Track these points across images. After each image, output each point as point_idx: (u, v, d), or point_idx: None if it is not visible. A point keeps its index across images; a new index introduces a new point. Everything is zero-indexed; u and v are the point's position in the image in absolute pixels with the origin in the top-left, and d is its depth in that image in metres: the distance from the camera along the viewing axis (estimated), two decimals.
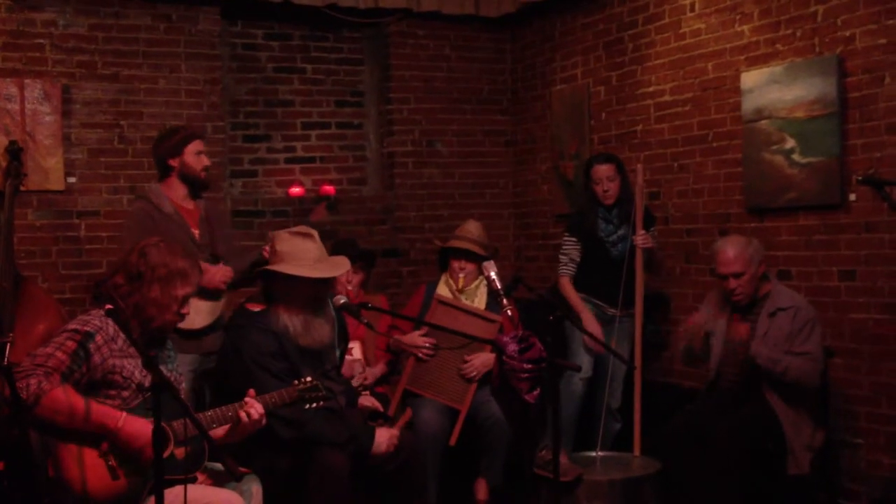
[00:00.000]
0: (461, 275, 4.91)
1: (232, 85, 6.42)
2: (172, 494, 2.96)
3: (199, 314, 4.15)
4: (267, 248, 4.33)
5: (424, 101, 6.74)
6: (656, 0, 5.68)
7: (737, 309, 4.45)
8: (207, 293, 4.23)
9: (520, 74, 6.94)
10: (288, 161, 6.62)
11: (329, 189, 6.46)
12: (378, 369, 4.97)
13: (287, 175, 6.58)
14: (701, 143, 5.41)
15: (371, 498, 3.98)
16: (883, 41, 4.42)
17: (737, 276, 4.35)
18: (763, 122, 4.94)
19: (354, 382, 4.48)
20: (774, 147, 4.89)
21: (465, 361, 4.75)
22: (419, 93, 6.72)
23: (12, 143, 4.57)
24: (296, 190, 6.37)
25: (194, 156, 4.40)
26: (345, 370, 4.40)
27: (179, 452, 3.16)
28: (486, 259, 4.49)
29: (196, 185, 4.43)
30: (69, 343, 3.07)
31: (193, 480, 3.21)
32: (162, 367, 3.20)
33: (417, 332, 4.81)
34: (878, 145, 4.47)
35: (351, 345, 4.76)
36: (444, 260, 5.05)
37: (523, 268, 6.87)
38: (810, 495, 4.48)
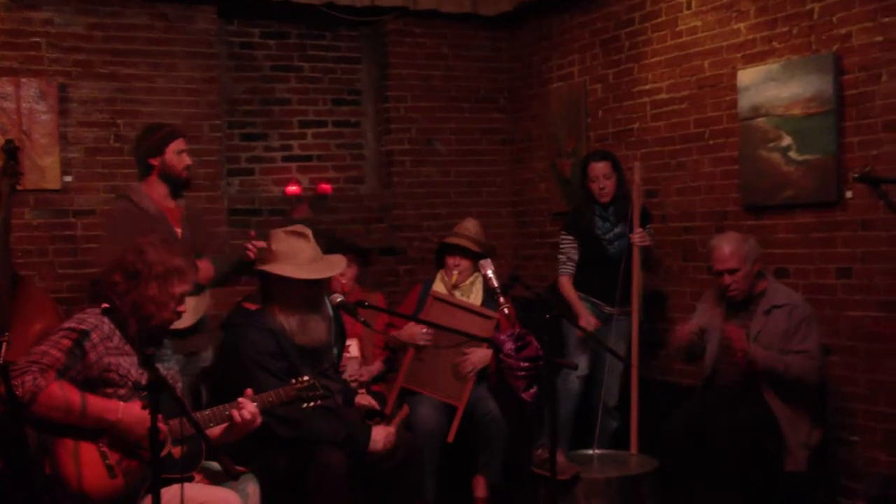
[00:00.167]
0: (455, 271, 4.92)
1: (229, 83, 6.42)
2: (169, 493, 2.97)
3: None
4: (251, 247, 4.33)
5: (422, 100, 6.74)
6: None
7: (732, 306, 4.46)
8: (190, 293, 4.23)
9: (517, 72, 6.94)
10: (285, 159, 6.62)
11: (326, 187, 6.46)
12: (375, 367, 4.98)
13: (284, 173, 6.57)
14: (698, 141, 5.41)
15: (369, 496, 3.98)
16: (879, 39, 4.42)
17: (732, 272, 4.36)
18: (760, 119, 4.94)
19: (345, 376, 4.48)
20: (771, 145, 4.89)
21: (463, 358, 4.75)
22: (416, 91, 6.72)
23: (9, 141, 4.56)
24: (293, 188, 6.37)
25: (175, 155, 4.36)
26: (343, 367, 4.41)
27: (176, 451, 3.16)
28: (482, 256, 4.49)
29: (177, 185, 4.40)
30: (64, 341, 3.07)
31: (190, 479, 3.22)
32: (159, 366, 3.21)
33: (413, 324, 4.80)
34: (874, 143, 4.47)
35: (348, 342, 4.76)
36: (441, 258, 5.07)
37: (520, 266, 6.87)
38: (808, 493, 4.48)
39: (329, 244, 4.98)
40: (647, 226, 5.19)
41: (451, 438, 4.64)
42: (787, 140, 4.81)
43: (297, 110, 6.65)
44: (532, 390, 4.58)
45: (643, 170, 5.20)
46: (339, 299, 4.09)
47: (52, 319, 4.23)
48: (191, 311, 4.26)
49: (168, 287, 3.26)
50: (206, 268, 4.32)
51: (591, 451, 4.99)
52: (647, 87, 5.74)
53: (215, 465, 3.33)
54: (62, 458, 3.01)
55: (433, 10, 6.49)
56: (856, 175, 3.84)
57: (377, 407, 4.27)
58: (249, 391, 3.36)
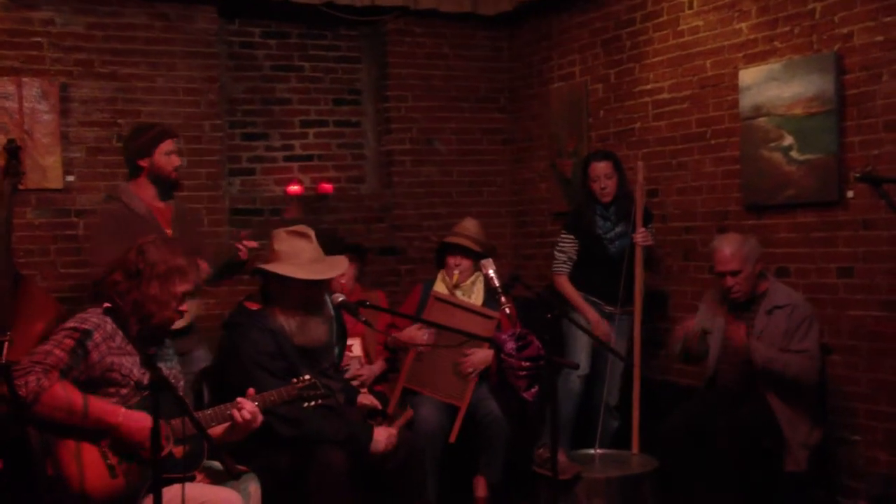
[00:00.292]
0: (456, 271, 4.92)
1: (229, 83, 6.42)
2: (171, 493, 2.97)
3: None
4: (242, 247, 4.31)
5: (422, 100, 6.74)
6: None
7: (734, 307, 4.46)
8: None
9: (517, 72, 6.94)
10: (286, 159, 6.62)
11: (327, 187, 6.46)
12: (377, 367, 4.98)
13: (285, 173, 6.58)
14: (699, 141, 5.41)
15: (371, 495, 3.98)
16: (880, 38, 4.42)
17: (734, 273, 4.36)
18: (761, 119, 4.94)
19: (347, 375, 4.48)
20: (772, 144, 4.89)
21: (464, 358, 4.75)
22: (417, 91, 6.72)
23: (10, 141, 4.55)
24: (294, 188, 6.37)
25: (165, 156, 4.32)
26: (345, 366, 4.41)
27: (178, 451, 3.16)
28: (482, 256, 4.49)
29: (167, 186, 4.37)
30: (67, 341, 3.07)
31: (192, 479, 3.22)
32: (161, 365, 3.21)
33: (415, 326, 4.81)
34: (875, 142, 4.47)
35: (351, 342, 4.76)
36: (441, 258, 5.06)
37: (521, 266, 6.87)
38: (808, 492, 4.49)
39: (326, 244, 4.98)
40: (649, 225, 5.19)
41: (452, 439, 4.64)
42: (788, 140, 4.81)
43: (298, 110, 6.66)
44: (533, 390, 4.59)
45: (644, 169, 5.19)
46: (340, 299, 4.09)
47: (53, 319, 4.23)
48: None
49: (169, 286, 3.26)
50: (203, 268, 4.31)
51: (592, 451, 4.99)
52: (649, 86, 5.74)
53: (217, 464, 3.33)
54: (64, 458, 3.01)
55: (433, 9, 6.48)
56: (857, 175, 3.84)
57: (379, 406, 4.27)
58: (251, 391, 3.36)
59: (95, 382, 3.10)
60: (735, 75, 5.11)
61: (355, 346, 4.92)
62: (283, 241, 3.91)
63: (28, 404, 2.94)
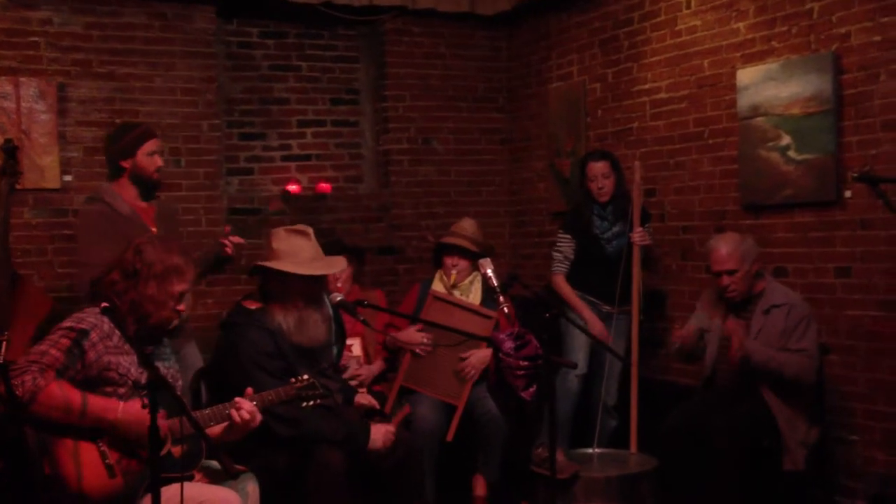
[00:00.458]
0: (454, 271, 4.93)
1: (227, 83, 6.41)
2: (169, 492, 2.96)
3: None
4: (227, 243, 4.29)
5: (420, 99, 6.73)
6: None
7: (731, 307, 4.46)
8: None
9: (515, 72, 6.94)
10: (284, 159, 6.61)
11: (325, 187, 6.46)
12: (376, 367, 4.98)
13: (283, 173, 6.57)
14: (697, 141, 5.41)
15: (369, 495, 3.97)
16: (878, 38, 4.42)
17: (730, 273, 4.36)
18: (759, 119, 4.94)
19: (346, 375, 4.48)
20: (770, 144, 4.89)
21: (462, 358, 4.75)
22: (415, 90, 6.72)
23: (8, 141, 4.55)
24: (292, 187, 6.37)
25: (147, 157, 4.26)
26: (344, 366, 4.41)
27: (176, 450, 3.16)
28: (480, 256, 4.49)
29: (148, 187, 4.31)
30: (63, 340, 3.07)
31: (190, 478, 3.21)
32: (158, 364, 3.21)
33: (414, 328, 4.81)
34: (873, 142, 4.47)
35: (350, 341, 4.76)
36: (439, 257, 5.07)
37: (519, 265, 6.87)
38: (806, 492, 4.49)
39: (325, 245, 4.98)
40: (647, 225, 5.19)
41: (450, 438, 4.64)
42: (786, 139, 4.81)
43: (296, 110, 6.65)
44: (531, 389, 4.58)
45: (642, 169, 5.20)
46: (338, 298, 4.09)
47: (45, 316, 4.23)
48: None
49: (167, 286, 3.26)
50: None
51: (590, 450, 5.00)
52: (647, 86, 5.74)
53: (215, 464, 3.33)
54: (61, 457, 3.01)
55: (431, 9, 6.48)
56: (855, 174, 3.84)
57: (377, 406, 4.27)
58: (250, 390, 3.36)
59: (93, 382, 3.10)
60: (733, 75, 5.11)
61: (355, 346, 4.92)
62: (283, 240, 3.91)
63: (24, 404, 2.93)
